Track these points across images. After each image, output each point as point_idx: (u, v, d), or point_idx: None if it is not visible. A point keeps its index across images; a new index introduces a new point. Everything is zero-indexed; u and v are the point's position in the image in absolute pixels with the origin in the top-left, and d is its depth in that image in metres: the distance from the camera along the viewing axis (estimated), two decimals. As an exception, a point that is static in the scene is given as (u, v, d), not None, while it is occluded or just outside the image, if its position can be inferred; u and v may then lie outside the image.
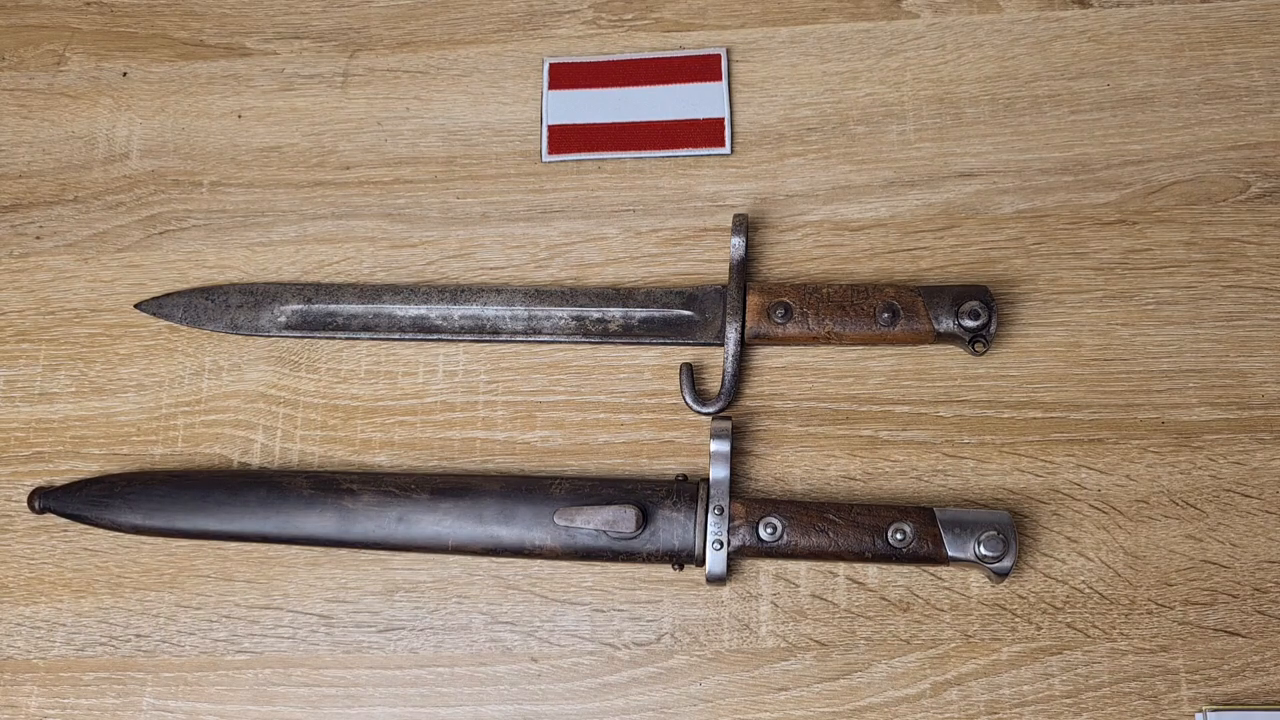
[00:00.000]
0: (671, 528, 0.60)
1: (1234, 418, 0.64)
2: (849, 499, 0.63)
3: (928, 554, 0.59)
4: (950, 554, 0.58)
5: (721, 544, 0.60)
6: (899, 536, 0.59)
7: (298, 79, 0.75)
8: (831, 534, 0.59)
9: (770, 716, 0.61)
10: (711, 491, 0.61)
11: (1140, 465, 0.63)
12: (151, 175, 0.73)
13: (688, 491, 0.61)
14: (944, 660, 0.61)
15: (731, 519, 0.60)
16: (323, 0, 0.77)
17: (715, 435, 0.62)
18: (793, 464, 0.64)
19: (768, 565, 0.63)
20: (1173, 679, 0.60)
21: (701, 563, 0.60)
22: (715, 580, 0.60)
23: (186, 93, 0.75)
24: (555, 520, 0.60)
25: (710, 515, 0.60)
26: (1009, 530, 0.58)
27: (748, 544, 0.60)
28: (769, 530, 0.59)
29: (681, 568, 0.62)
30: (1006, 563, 0.58)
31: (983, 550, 0.58)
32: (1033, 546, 0.62)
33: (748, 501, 0.61)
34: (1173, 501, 0.63)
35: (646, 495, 0.61)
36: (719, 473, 0.61)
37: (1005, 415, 0.65)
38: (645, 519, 0.60)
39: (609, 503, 0.60)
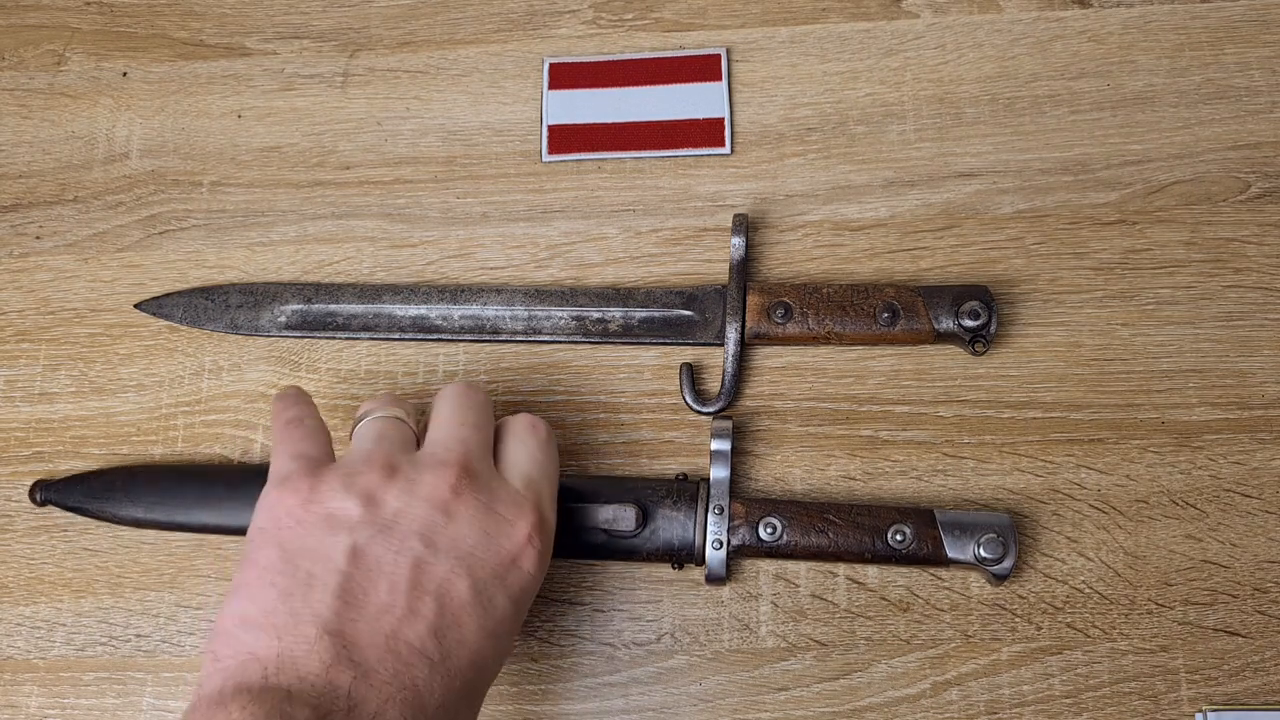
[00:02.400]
0: (671, 526, 0.60)
1: (1234, 418, 0.64)
2: (849, 499, 0.63)
3: (927, 555, 0.59)
4: (950, 555, 0.58)
5: (721, 543, 0.60)
6: (899, 538, 0.59)
7: (298, 79, 0.75)
8: (831, 534, 0.59)
9: (770, 716, 0.61)
10: (712, 491, 0.61)
11: (1140, 465, 0.63)
12: (151, 175, 0.73)
13: (688, 491, 0.61)
14: (944, 660, 0.61)
15: (731, 518, 0.60)
16: (323, 0, 0.77)
17: (716, 434, 0.62)
18: (793, 464, 0.64)
19: (768, 565, 0.63)
20: (1173, 679, 0.60)
21: (701, 562, 0.60)
22: (715, 580, 0.60)
23: (186, 93, 0.75)
24: None
25: (710, 515, 0.60)
26: (1009, 533, 0.58)
27: (747, 543, 0.60)
28: (769, 530, 0.59)
29: (681, 567, 0.62)
30: (1006, 565, 0.58)
31: (982, 553, 0.58)
32: (1033, 546, 0.62)
33: (748, 501, 0.61)
34: (1173, 501, 0.63)
35: (646, 494, 0.61)
36: (719, 472, 0.61)
37: (1005, 415, 0.65)
38: (645, 517, 0.60)
39: (608, 501, 0.60)
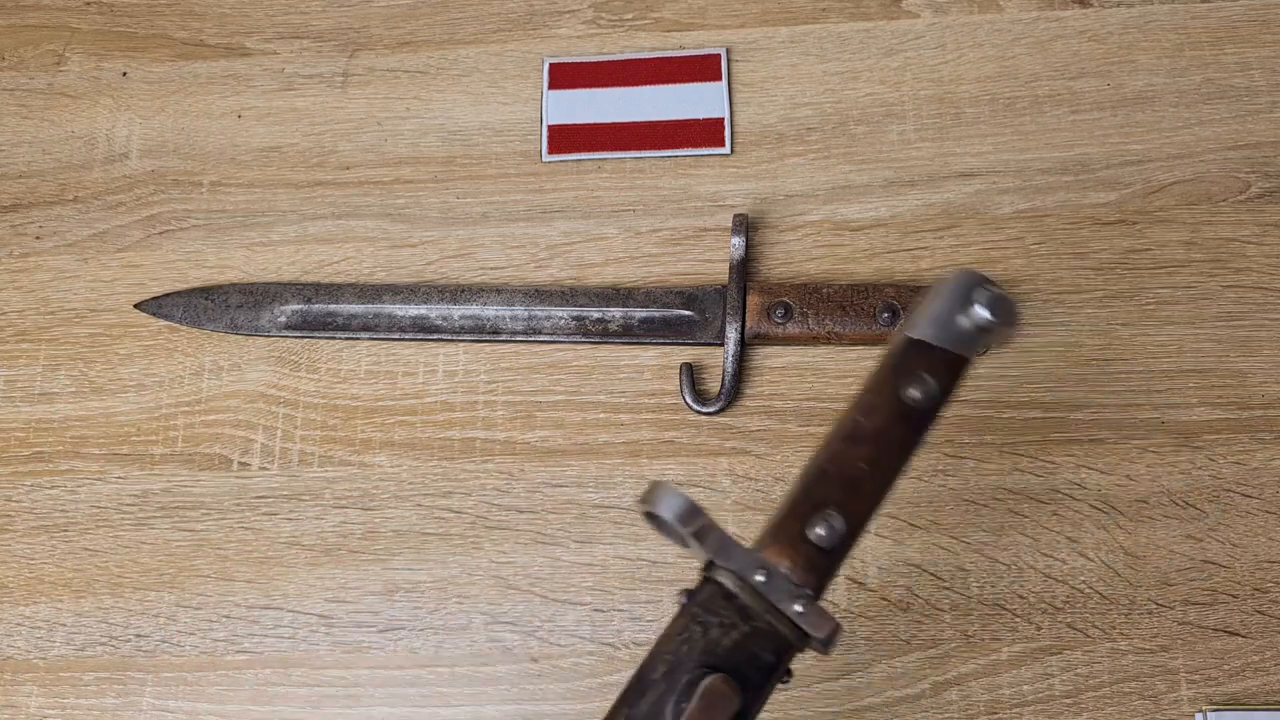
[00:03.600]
0: None
1: (1234, 418, 0.64)
2: None
3: None
4: None
5: None
6: None
7: (298, 79, 0.75)
8: None
9: (770, 716, 0.61)
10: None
11: (1140, 465, 0.63)
12: (151, 175, 0.73)
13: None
14: (944, 660, 0.61)
15: None
16: (323, 0, 0.77)
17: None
18: (793, 464, 0.64)
19: (768, 565, 0.63)
20: (1173, 679, 0.60)
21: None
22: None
23: (186, 93, 0.75)
24: None
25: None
26: None
27: None
28: None
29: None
30: None
31: None
32: (1033, 546, 0.62)
33: None
34: (1173, 501, 0.63)
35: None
36: None
37: (1005, 415, 0.65)
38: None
39: None
